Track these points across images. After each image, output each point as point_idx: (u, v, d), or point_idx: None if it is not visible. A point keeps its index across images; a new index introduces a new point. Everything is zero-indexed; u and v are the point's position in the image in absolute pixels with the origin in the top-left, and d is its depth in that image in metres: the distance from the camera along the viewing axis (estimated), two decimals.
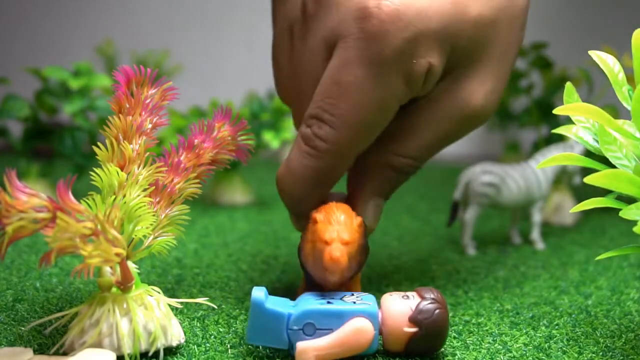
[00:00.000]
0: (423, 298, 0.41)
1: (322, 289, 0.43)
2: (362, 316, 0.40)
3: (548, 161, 0.45)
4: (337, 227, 0.41)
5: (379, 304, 0.41)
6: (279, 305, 0.40)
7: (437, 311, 0.40)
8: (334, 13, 0.44)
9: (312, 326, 0.39)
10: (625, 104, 0.44)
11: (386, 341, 0.41)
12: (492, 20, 0.45)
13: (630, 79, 0.44)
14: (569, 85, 0.47)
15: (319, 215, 0.42)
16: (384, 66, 0.43)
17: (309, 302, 0.40)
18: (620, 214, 0.40)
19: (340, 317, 0.39)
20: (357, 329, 0.39)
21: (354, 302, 0.40)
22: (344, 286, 0.43)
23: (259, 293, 0.40)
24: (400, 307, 0.40)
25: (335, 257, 0.40)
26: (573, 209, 0.43)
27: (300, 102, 0.47)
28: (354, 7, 0.43)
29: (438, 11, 0.43)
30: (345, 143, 0.44)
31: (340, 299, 0.41)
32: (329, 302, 0.40)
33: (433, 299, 0.40)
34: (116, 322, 0.39)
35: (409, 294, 0.41)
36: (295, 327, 0.39)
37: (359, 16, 0.42)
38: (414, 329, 0.40)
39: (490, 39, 0.46)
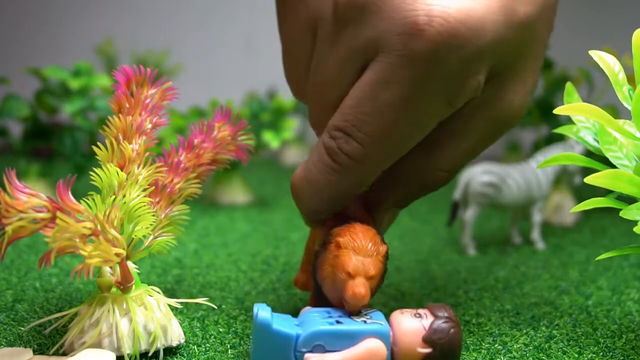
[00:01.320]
0: (436, 317, 0.39)
1: (331, 304, 0.41)
2: (374, 336, 0.38)
3: (548, 161, 0.45)
4: (363, 259, 0.39)
5: (387, 320, 0.39)
6: (284, 324, 0.38)
7: (452, 330, 0.38)
8: (374, 22, 0.40)
9: (322, 348, 0.37)
10: (625, 104, 0.44)
11: None
12: (537, 18, 0.42)
13: (630, 78, 0.44)
14: (569, 85, 0.47)
15: (342, 240, 0.39)
16: (428, 89, 0.39)
17: (315, 322, 0.38)
18: (621, 214, 0.40)
19: (351, 338, 0.37)
20: (371, 350, 0.37)
21: (365, 321, 0.38)
22: None
23: (265, 313, 0.38)
24: (413, 326, 0.38)
25: (360, 294, 0.38)
26: (573, 209, 0.43)
27: (319, 103, 0.44)
28: (401, 21, 0.38)
29: (491, 22, 0.39)
30: (372, 161, 0.41)
31: (349, 316, 0.39)
32: (338, 322, 0.38)
33: (447, 317, 0.39)
34: (116, 322, 0.39)
35: (421, 311, 0.39)
36: (303, 349, 0.37)
37: (407, 32, 0.38)
38: (427, 350, 0.38)
39: (533, 36, 0.43)
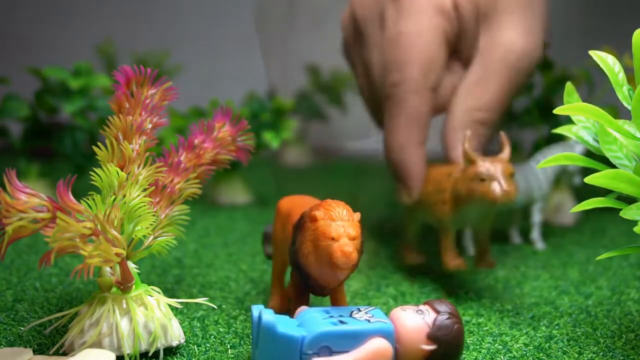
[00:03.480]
0: (438, 312, 0.39)
1: (307, 296, 0.42)
2: (379, 335, 0.37)
3: (548, 161, 0.45)
4: (342, 222, 0.40)
5: (387, 317, 0.39)
6: (286, 326, 0.38)
7: (455, 326, 0.38)
8: None
9: (328, 350, 0.37)
10: (625, 104, 0.44)
11: (400, 359, 0.38)
12: None
13: (630, 78, 0.44)
14: (569, 85, 0.47)
15: (318, 213, 0.40)
16: (412, 5, 0.55)
17: (318, 322, 0.38)
18: (621, 214, 0.40)
19: (357, 338, 0.37)
20: (378, 350, 0.37)
21: (368, 320, 0.38)
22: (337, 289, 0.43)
23: (269, 316, 0.37)
24: (416, 323, 0.38)
25: (347, 251, 0.39)
26: (573, 209, 0.43)
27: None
28: None
29: None
30: (408, 79, 0.54)
31: (350, 315, 0.39)
32: (341, 322, 0.38)
33: (449, 313, 0.39)
34: (116, 322, 0.39)
35: (422, 307, 0.39)
36: (309, 352, 0.37)
37: None
38: (432, 347, 0.38)
39: None
